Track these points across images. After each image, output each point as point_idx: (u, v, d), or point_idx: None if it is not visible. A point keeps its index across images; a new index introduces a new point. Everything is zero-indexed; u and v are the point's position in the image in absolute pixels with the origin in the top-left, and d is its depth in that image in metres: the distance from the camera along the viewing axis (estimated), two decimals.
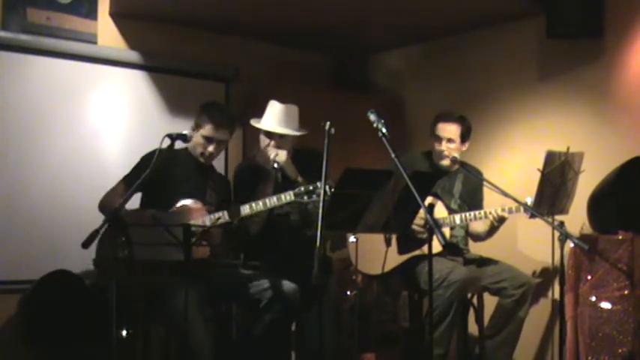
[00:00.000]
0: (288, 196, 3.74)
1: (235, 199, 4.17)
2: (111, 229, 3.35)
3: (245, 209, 3.80)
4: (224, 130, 3.96)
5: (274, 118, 4.05)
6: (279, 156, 3.97)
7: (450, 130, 4.35)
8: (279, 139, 4.02)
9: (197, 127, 3.96)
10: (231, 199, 4.21)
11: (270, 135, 4.04)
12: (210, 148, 3.96)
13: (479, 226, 4.39)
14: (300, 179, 3.97)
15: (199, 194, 3.93)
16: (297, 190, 3.71)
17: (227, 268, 4.07)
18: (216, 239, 3.85)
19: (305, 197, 3.68)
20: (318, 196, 3.61)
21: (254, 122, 4.13)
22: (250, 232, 4.05)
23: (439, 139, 4.36)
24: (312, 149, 3.92)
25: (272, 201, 3.79)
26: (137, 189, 3.50)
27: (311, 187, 3.67)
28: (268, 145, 4.03)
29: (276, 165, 3.96)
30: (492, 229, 4.30)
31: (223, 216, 3.79)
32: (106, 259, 3.62)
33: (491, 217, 4.16)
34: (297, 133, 4.07)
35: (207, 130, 3.93)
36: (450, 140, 4.35)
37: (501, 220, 4.16)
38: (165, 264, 3.58)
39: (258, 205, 3.80)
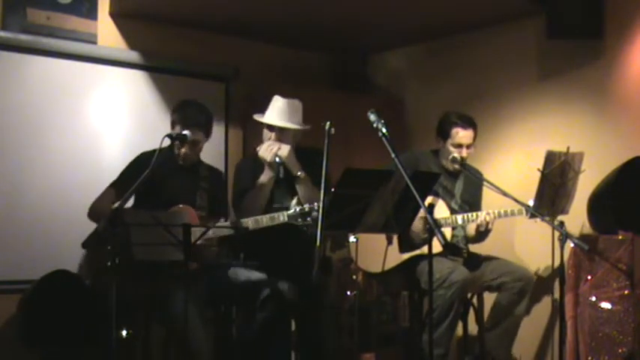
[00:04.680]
0: (281, 217, 3.72)
1: (234, 192, 4.15)
2: (110, 228, 3.33)
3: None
4: (194, 130, 3.81)
5: (276, 111, 4.03)
6: (281, 150, 3.94)
7: (470, 136, 4.32)
8: (279, 133, 4.00)
9: (172, 125, 3.89)
10: (227, 192, 4.17)
11: (271, 128, 4.02)
12: (183, 149, 3.87)
13: (471, 230, 4.38)
14: (302, 174, 3.95)
15: (189, 198, 3.88)
16: (291, 211, 3.68)
17: (223, 268, 4.06)
18: (211, 245, 3.83)
19: (299, 220, 3.65)
20: (313, 219, 3.58)
21: (257, 117, 4.11)
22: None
23: (458, 146, 4.30)
24: (313, 148, 3.91)
25: (264, 220, 3.76)
26: (134, 191, 3.45)
27: (307, 209, 3.65)
28: (270, 138, 4.00)
29: (277, 159, 3.93)
30: (479, 235, 4.26)
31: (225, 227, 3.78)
32: (100, 262, 3.62)
33: (478, 221, 4.15)
34: (297, 127, 4.04)
35: (177, 130, 3.82)
36: (469, 146, 4.33)
37: (486, 226, 4.14)
38: (162, 265, 3.57)
39: (248, 223, 3.77)
